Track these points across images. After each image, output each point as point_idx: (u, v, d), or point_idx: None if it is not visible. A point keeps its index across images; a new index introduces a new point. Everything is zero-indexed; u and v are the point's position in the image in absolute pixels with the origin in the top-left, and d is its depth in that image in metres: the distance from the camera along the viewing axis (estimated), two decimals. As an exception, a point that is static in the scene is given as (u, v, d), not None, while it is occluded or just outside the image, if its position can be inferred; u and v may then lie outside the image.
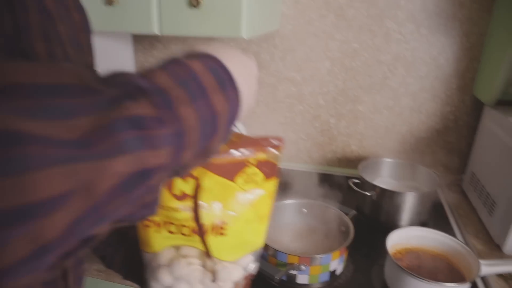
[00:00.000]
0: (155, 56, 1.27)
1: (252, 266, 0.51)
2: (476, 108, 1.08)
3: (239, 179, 0.47)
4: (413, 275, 0.69)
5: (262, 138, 0.50)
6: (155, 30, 0.89)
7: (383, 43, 1.08)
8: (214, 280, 0.47)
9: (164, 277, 0.47)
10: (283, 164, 1.28)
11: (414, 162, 1.14)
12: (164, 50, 1.26)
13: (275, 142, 0.50)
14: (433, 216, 1.02)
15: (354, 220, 0.85)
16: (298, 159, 1.29)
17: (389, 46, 1.08)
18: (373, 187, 0.96)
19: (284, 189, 1.12)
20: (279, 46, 1.16)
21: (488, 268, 0.73)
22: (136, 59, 1.29)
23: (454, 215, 1.02)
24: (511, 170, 0.83)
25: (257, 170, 0.48)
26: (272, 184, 0.50)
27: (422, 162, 1.15)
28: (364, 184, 0.98)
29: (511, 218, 0.80)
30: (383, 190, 0.94)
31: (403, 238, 0.82)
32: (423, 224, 0.98)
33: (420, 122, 1.14)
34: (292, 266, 0.73)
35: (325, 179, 1.13)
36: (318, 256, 0.73)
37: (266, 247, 0.76)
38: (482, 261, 0.74)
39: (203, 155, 0.34)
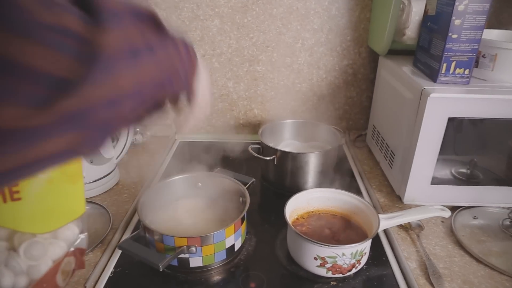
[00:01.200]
0: None
1: (78, 239, 0.41)
2: (372, 60, 1.06)
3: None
4: (310, 240, 0.63)
5: None
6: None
7: (274, -5, 1.00)
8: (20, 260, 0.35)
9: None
10: (182, 137, 1.17)
11: (319, 120, 1.10)
12: None
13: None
14: (339, 174, 0.99)
15: (258, 188, 0.78)
16: (199, 129, 1.19)
17: (280, -2, 1.00)
18: (274, 151, 0.89)
19: (180, 164, 1.02)
20: (162, 5, 1.02)
21: (387, 221, 0.71)
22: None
23: (359, 171, 1.00)
24: (405, 119, 0.81)
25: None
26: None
27: (327, 120, 1.11)
28: (265, 149, 0.91)
29: (407, 167, 0.79)
30: (283, 153, 0.88)
31: (304, 202, 0.77)
32: (330, 183, 0.94)
33: (320, 78, 1.09)
34: (181, 249, 0.64)
35: (228, 148, 1.05)
36: (209, 235, 0.65)
37: (151, 231, 0.66)
38: (381, 215, 0.71)
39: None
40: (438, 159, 0.77)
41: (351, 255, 0.64)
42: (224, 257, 0.69)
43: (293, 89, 1.11)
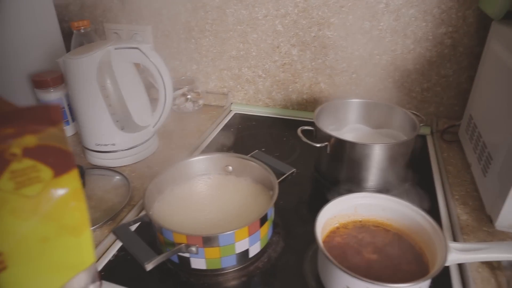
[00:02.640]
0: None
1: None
2: (483, 27, 0.79)
3: (5, 181, 0.30)
4: (339, 267, 0.46)
5: (22, 109, 0.32)
6: None
7: None
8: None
9: None
10: (238, 108, 1.05)
11: (398, 103, 0.88)
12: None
13: (46, 113, 0.32)
14: (412, 174, 0.78)
15: (307, 180, 0.62)
16: (257, 101, 1.05)
17: None
18: (328, 137, 0.71)
19: (226, 139, 0.91)
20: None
21: (462, 255, 0.50)
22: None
23: (441, 173, 0.77)
24: (515, 111, 0.56)
25: (34, 162, 0.30)
26: (71, 179, 0.32)
27: (410, 103, 0.89)
28: (319, 133, 0.74)
29: (508, 178, 0.55)
30: (338, 141, 0.70)
31: (349, 208, 0.59)
32: (397, 184, 0.74)
33: (406, 49, 0.85)
34: (178, 248, 0.52)
35: (284, 126, 0.90)
36: (213, 236, 0.52)
37: (153, 219, 0.55)
38: (453, 244, 0.51)
39: None
40: (560, 176, 0.52)
41: (395, 297, 0.45)
42: (234, 263, 0.56)
43: (370, 61, 0.89)
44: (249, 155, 0.70)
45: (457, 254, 0.50)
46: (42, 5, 0.92)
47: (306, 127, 0.76)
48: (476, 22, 0.79)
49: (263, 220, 0.56)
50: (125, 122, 0.78)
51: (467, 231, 0.61)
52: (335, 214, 0.58)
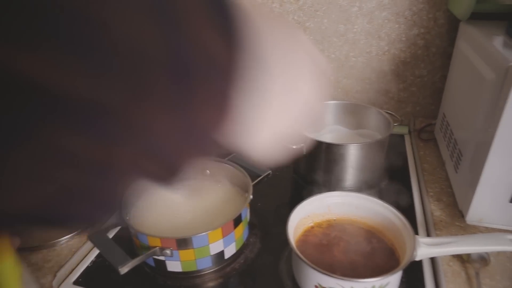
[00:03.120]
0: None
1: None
2: (452, 28, 0.81)
3: None
4: (309, 264, 0.47)
5: None
6: None
7: None
8: None
9: None
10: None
11: (376, 103, 0.90)
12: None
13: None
14: (390, 172, 0.79)
15: (287, 182, 0.63)
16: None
17: None
18: (304, 138, 0.72)
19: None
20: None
21: (430, 249, 0.51)
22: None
23: (418, 171, 0.79)
24: (481, 108, 0.58)
25: None
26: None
27: (387, 103, 0.90)
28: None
29: (477, 173, 0.57)
30: (313, 142, 0.71)
31: (323, 207, 0.60)
32: (374, 183, 0.75)
33: (381, 51, 0.87)
34: (152, 251, 0.53)
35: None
36: (187, 238, 0.53)
37: (126, 223, 0.56)
38: (423, 239, 0.52)
39: None
40: (525, 168, 0.53)
41: (364, 292, 0.46)
42: (210, 264, 0.56)
43: (346, 63, 0.91)
44: (226, 158, 0.70)
45: (426, 249, 0.51)
46: None
47: (283, 130, 0.77)
48: (446, 23, 0.81)
49: (237, 221, 0.56)
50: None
51: (440, 226, 0.63)
52: (309, 214, 0.59)
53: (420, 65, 0.86)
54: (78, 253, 0.62)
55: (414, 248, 0.49)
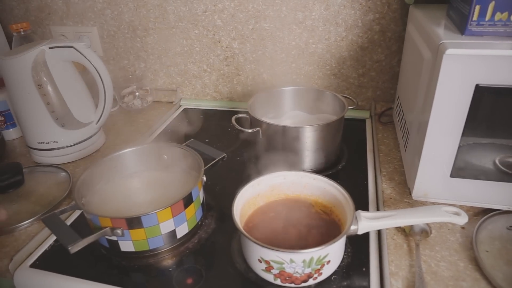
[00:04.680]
0: None
1: None
2: (405, 13, 0.83)
3: None
4: (248, 237, 0.49)
5: None
6: None
7: None
8: None
9: None
10: (187, 103, 1.08)
11: (337, 89, 0.92)
12: None
13: None
14: (347, 154, 0.81)
15: (245, 166, 0.65)
16: (204, 95, 1.07)
17: None
18: (259, 123, 0.74)
19: (173, 132, 0.93)
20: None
21: (370, 222, 0.53)
22: None
23: (375, 152, 0.81)
24: (421, 87, 0.60)
25: None
26: None
27: (348, 89, 0.92)
28: (253, 121, 0.76)
29: (418, 152, 0.59)
30: (268, 126, 0.73)
31: (271, 187, 0.62)
32: (330, 165, 0.78)
33: (339, 37, 0.89)
34: (103, 231, 0.54)
35: (229, 117, 0.93)
36: (136, 217, 0.54)
37: (79, 206, 0.57)
38: (364, 213, 0.54)
39: None
40: (461, 143, 0.56)
41: (304, 263, 0.48)
42: (162, 243, 0.58)
43: (306, 50, 0.92)
44: (184, 143, 0.72)
45: (367, 222, 0.53)
46: (-17, 9, 0.93)
47: (240, 115, 0.78)
48: (399, 8, 0.83)
49: (187, 201, 0.58)
50: (65, 119, 0.79)
51: (389, 203, 0.65)
52: (258, 193, 0.61)
53: (377, 50, 0.88)
54: (36, 237, 0.63)
55: (352, 221, 0.51)
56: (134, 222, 0.54)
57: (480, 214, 0.61)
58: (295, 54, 0.94)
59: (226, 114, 1.01)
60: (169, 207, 0.55)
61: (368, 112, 0.95)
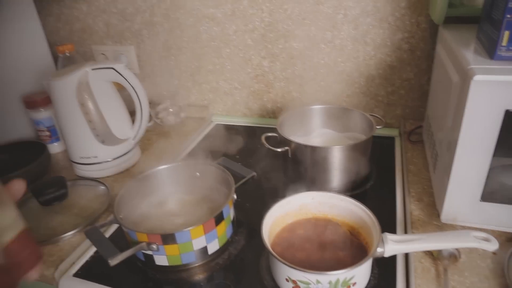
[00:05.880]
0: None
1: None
2: (434, 32, 0.83)
3: None
4: (276, 257, 0.51)
5: None
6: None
7: (311, -43, 0.84)
8: None
9: None
10: (219, 119, 1.11)
11: (366, 107, 0.93)
12: None
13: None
14: (376, 174, 0.82)
15: (274, 184, 0.67)
16: (235, 111, 1.10)
17: (318, -41, 0.84)
18: (288, 142, 0.76)
19: (206, 148, 0.96)
20: (192, -22, 0.95)
21: (396, 245, 0.54)
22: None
23: (403, 172, 0.81)
24: (450, 110, 0.60)
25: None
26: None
27: (377, 107, 0.93)
28: (281, 139, 0.79)
29: (447, 174, 0.59)
30: (297, 146, 0.75)
31: (299, 206, 0.63)
32: (360, 184, 0.78)
33: (368, 56, 0.90)
34: (140, 246, 0.58)
35: (259, 134, 0.95)
36: (171, 234, 0.57)
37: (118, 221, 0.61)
38: (391, 236, 0.55)
39: None
40: (492, 166, 0.56)
41: (330, 284, 0.50)
42: (194, 259, 0.61)
43: (335, 69, 0.94)
44: (216, 161, 0.75)
45: (393, 245, 0.54)
46: (33, 31, 1.01)
47: (270, 134, 0.81)
48: (429, 28, 0.83)
49: (218, 218, 0.61)
50: (105, 136, 0.84)
51: (417, 225, 0.65)
52: (287, 212, 0.62)
53: (406, 68, 0.89)
54: (78, 248, 0.68)
55: (378, 244, 0.52)
56: (168, 238, 0.58)
57: (512, 239, 0.60)
58: (324, 73, 0.95)
59: (256, 130, 1.04)
60: (201, 225, 0.58)
61: (397, 130, 0.95)
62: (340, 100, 0.97)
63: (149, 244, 0.58)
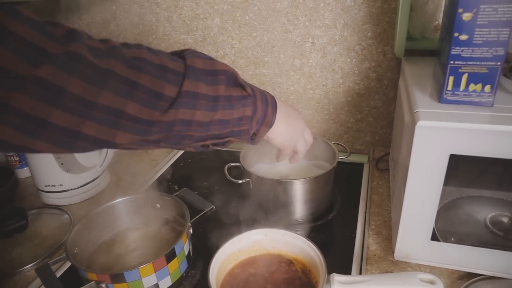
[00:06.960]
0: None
1: None
2: (401, 62, 0.83)
3: None
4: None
5: None
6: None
7: (277, -13, 0.85)
8: None
9: None
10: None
11: (335, 133, 0.93)
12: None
13: None
14: (340, 204, 0.82)
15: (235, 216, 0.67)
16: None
17: (285, -11, 0.85)
18: (249, 174, 0.76)
19: (173, 175, 0.96)
20: (162, 4, 0.95)
21: (343, 286, 0.53)
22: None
23: (367, 202, 0.81)
24: (403, 148, 0.60)
25: None
26: None
27: (347, 133, 0.93)
28: (244, 171, 0.78)
29: (399, 211, 0.59)
30: (258, 178, 0.75)
31: (252, 243, 0.63)
32: (322, 215, 0.78)
33: (336, 83, 0.90)
34: (91, 284, 0.57)
35: (220, 161, 0.95)
36: (119, 273, 0.57)
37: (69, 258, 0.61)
38: (338, 277, 0.54)
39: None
40: (440, 207, 0.55)
41: (271, 329, 0.49)
42: (145, 298, 0.60)
43: (305, 95, 0.94)
44: (175, 193, 0.75)
45: (339, 286, 0.53)
46: None
47: (234, 164, 0.81)
48: (395, 57, 0.83)
49: (170, 256, 0.60)
50: (70, 164, 0.84)
51: (373, 261, 0.65)
52: (240, 249, 0.62)
53: (374, 96, 0.89)
54: (33, 283, 0.67)
55: (323, 284, 0.52)
56: (117, 277, 0.57)
57: (465, 277, 0.60)
58: (293, 99, 0.95)
59: (224, 157, 1.02)
60: (151, 263, 0.58)
61: (366, 156, 0.95)
62: (310, 126, 0.97)
63: (98, 283, 0.57)
